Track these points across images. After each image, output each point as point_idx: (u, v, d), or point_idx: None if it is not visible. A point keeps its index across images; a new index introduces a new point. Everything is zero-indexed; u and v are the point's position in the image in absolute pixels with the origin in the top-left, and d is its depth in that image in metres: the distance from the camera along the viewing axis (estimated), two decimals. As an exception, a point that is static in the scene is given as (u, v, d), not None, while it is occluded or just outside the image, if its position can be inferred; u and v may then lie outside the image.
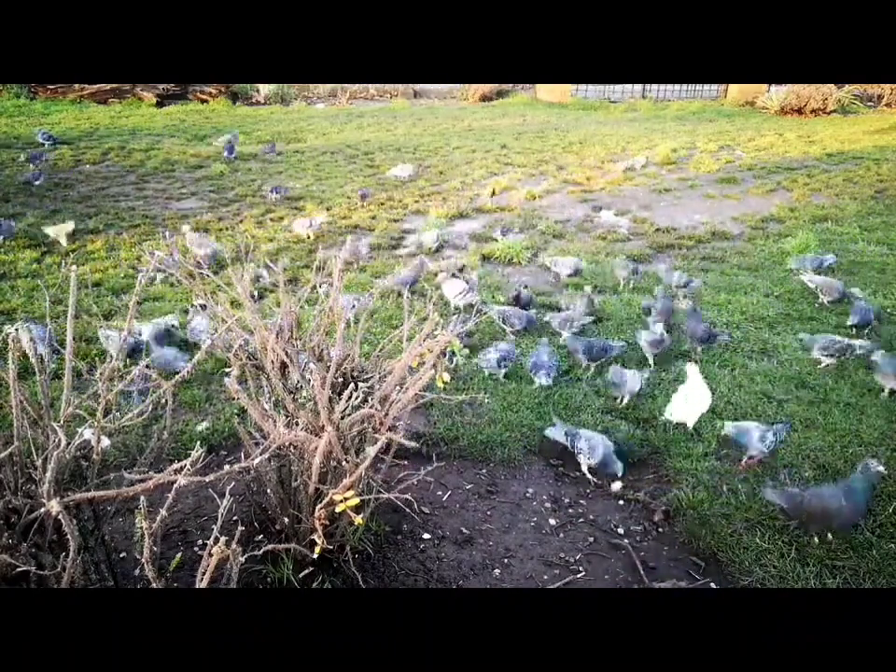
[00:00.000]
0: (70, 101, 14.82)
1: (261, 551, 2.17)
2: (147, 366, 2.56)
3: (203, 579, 1.82)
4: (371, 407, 2.54)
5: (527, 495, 3.44)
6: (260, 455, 2.34)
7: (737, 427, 3.67)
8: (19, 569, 1.94)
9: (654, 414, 4.06)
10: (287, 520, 2.77)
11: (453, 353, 3.74)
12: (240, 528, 2.00)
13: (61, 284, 5.49)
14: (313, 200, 8.51)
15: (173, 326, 4.75)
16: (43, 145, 10.72)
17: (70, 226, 6.93)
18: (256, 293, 5.10)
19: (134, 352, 4.32)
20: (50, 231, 6.80)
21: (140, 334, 4.58)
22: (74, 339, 2.37)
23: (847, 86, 15.27)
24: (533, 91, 18.14)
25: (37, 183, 8.58)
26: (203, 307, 4.59)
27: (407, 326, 2.93)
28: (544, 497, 3.43)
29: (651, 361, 4.63)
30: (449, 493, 3.43)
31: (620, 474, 3.47)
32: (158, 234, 6.95)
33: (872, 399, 4.25)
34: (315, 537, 2.35)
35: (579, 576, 2.95)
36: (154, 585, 1.88)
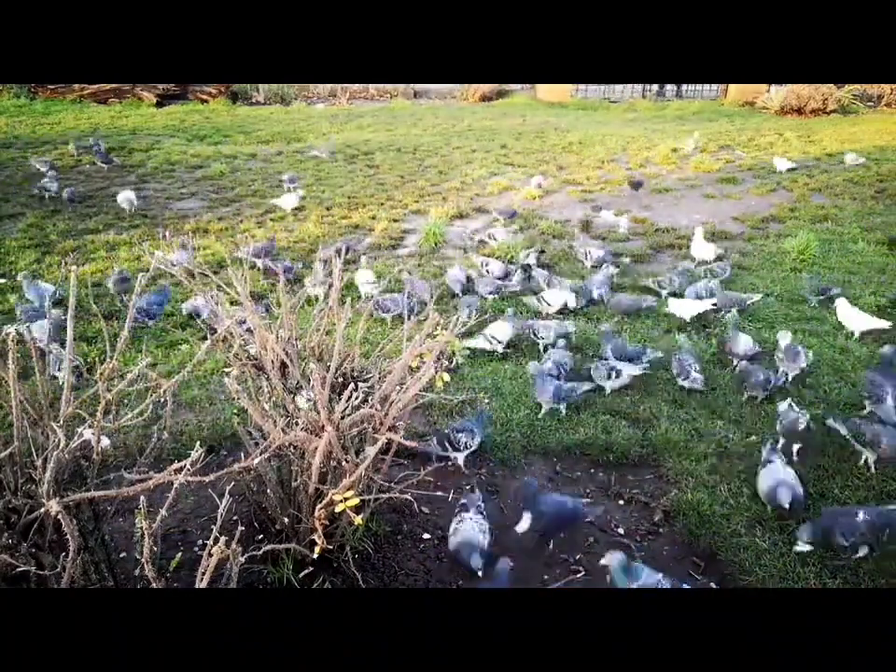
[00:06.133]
0: (70, 101, 14.80)
1: (261, 551, 2.17)
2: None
3: (203, 579, 1.82)
4: (370, 407, 2.54)
5: (527, 495, 3.44)
6: (260, 455, 2.35)
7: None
8: (19, 569, 1.95)
9: (654, 414, 4.07)
10: (286, 520, 2.76)
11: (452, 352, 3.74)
12: (240, 528, 2.00)
13: (61, 283, 5.49)
14: (312, 199, 8.50)
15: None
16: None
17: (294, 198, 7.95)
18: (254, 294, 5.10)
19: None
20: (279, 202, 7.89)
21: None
22: (74, 338, 2.37)
23: (846, 86, 15.24)
24: (533, 91, 18.11)
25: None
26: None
27: (407, 326, 2.93)
28: (544, 496, 3.42)
29: None
30: (449, 493, 3.43)
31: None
32: (157, 234, 6.95)
33: (872, 399, 4.24)
34: (315, 537, 2.35)
35: (579, 576, 2.95)
36: (154, 585, 1.88)
